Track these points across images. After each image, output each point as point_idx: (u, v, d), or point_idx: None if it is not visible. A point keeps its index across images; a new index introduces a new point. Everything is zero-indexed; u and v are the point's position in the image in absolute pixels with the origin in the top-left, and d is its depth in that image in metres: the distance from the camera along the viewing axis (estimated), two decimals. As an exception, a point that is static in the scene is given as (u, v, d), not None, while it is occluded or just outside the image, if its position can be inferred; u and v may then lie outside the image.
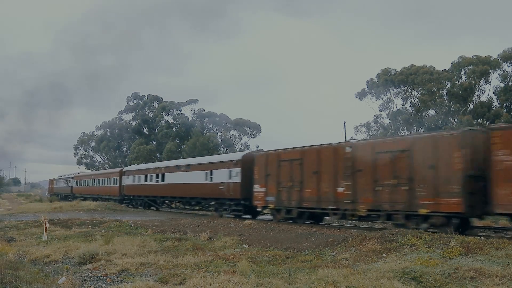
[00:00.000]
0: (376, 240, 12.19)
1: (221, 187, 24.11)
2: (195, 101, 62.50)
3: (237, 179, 22.93)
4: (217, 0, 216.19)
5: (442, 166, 13.94)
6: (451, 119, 38.57)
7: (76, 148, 79.32)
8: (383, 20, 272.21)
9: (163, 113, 63.41)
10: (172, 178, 30.19)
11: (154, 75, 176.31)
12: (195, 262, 10.57)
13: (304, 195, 18.70)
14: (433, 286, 8.00)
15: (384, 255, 10.96)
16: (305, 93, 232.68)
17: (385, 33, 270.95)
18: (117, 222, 20.06)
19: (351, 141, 20.84)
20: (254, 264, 10.12)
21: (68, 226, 18.92)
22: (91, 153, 77.84)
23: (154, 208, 33.65)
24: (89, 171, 69.32)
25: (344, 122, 49.85)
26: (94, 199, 43.41)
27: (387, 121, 43.59)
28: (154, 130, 64.17)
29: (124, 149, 71.66)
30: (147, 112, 66.62)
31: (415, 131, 38.96)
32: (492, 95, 38.49)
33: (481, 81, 38.12)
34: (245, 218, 22.07)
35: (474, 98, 38.38)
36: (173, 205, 33.78)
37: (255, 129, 59.71)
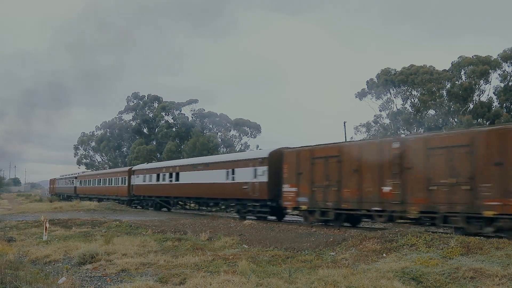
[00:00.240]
0: (376, 240, 12.19)
1: (245, 187, 22.66)
2: (195, 101, 62.71)
3: (264, 178, 21.43)
4: (217, 0, 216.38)
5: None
6: (451, 119, 38.62)
7: (76, 148, 79.57)
8: (383, 20, 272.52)
9: (163, 113, 63.46)
10: (187, 178, 28.46)
11: (154, 75, 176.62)
12: (195, 262, 10.57)
13: (343, 195, 17.30)
14: (433, 286, 8.00)
15: (384, 255, 10.97)
16: (305, 93, 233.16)
17: (385, 33, 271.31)
18: (117, 222, 20.08)
19: (399, 136, 18.94)
20: (254, 264, 10.12)
21: (68, 226, 18.94)
22: (91, 153, 78.05)
23: (165, 210, 32.01)
24: (89, 171, 69.18)
25: (344, 122, 49.92)
26: (100, 200, 41.72)
27: (387, 121, 43.68)
28: (154, 130, 64.22)
29: (124, 149, 71.71)
30: (147, 112, 66.67)
31: (415, 131, 38.98)
32: (492, 95, 38.61)
33: (481, 81, 38.18)
34: (270, 220, 21.40)
35: (474, 98, 38.42)
36: (187, 206, 31.69)
37: (255, 129, 59.78)
